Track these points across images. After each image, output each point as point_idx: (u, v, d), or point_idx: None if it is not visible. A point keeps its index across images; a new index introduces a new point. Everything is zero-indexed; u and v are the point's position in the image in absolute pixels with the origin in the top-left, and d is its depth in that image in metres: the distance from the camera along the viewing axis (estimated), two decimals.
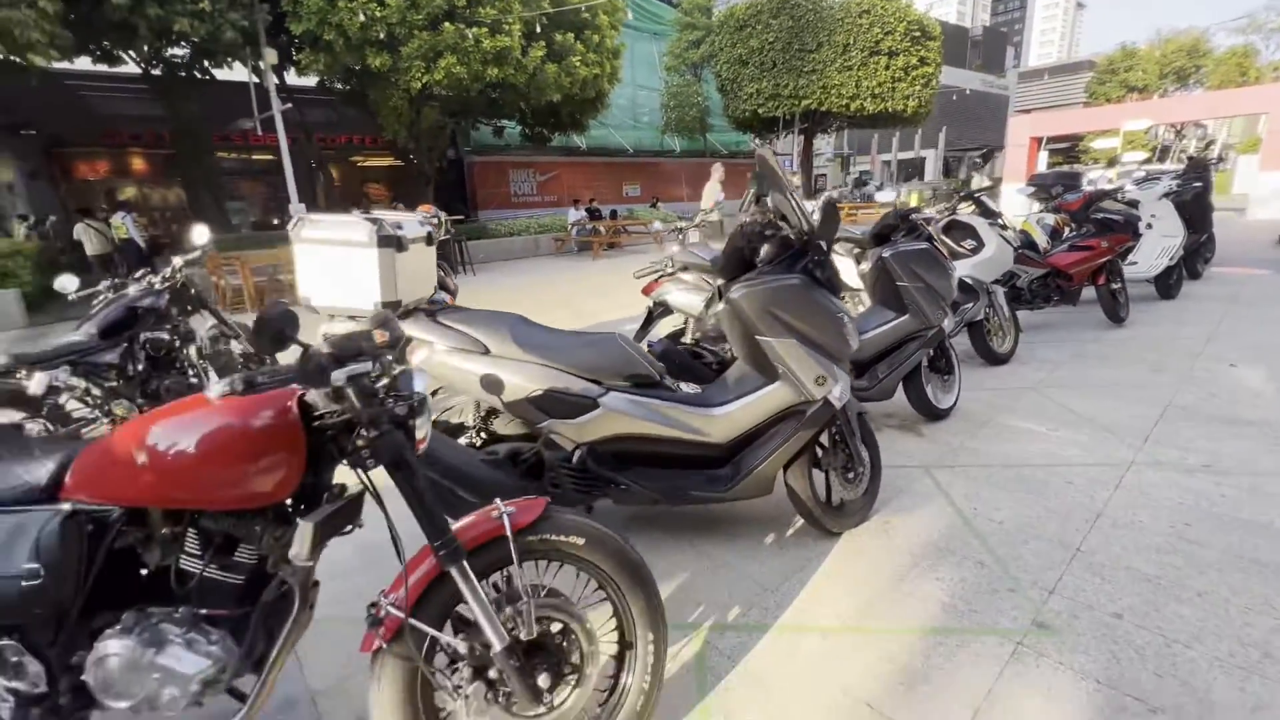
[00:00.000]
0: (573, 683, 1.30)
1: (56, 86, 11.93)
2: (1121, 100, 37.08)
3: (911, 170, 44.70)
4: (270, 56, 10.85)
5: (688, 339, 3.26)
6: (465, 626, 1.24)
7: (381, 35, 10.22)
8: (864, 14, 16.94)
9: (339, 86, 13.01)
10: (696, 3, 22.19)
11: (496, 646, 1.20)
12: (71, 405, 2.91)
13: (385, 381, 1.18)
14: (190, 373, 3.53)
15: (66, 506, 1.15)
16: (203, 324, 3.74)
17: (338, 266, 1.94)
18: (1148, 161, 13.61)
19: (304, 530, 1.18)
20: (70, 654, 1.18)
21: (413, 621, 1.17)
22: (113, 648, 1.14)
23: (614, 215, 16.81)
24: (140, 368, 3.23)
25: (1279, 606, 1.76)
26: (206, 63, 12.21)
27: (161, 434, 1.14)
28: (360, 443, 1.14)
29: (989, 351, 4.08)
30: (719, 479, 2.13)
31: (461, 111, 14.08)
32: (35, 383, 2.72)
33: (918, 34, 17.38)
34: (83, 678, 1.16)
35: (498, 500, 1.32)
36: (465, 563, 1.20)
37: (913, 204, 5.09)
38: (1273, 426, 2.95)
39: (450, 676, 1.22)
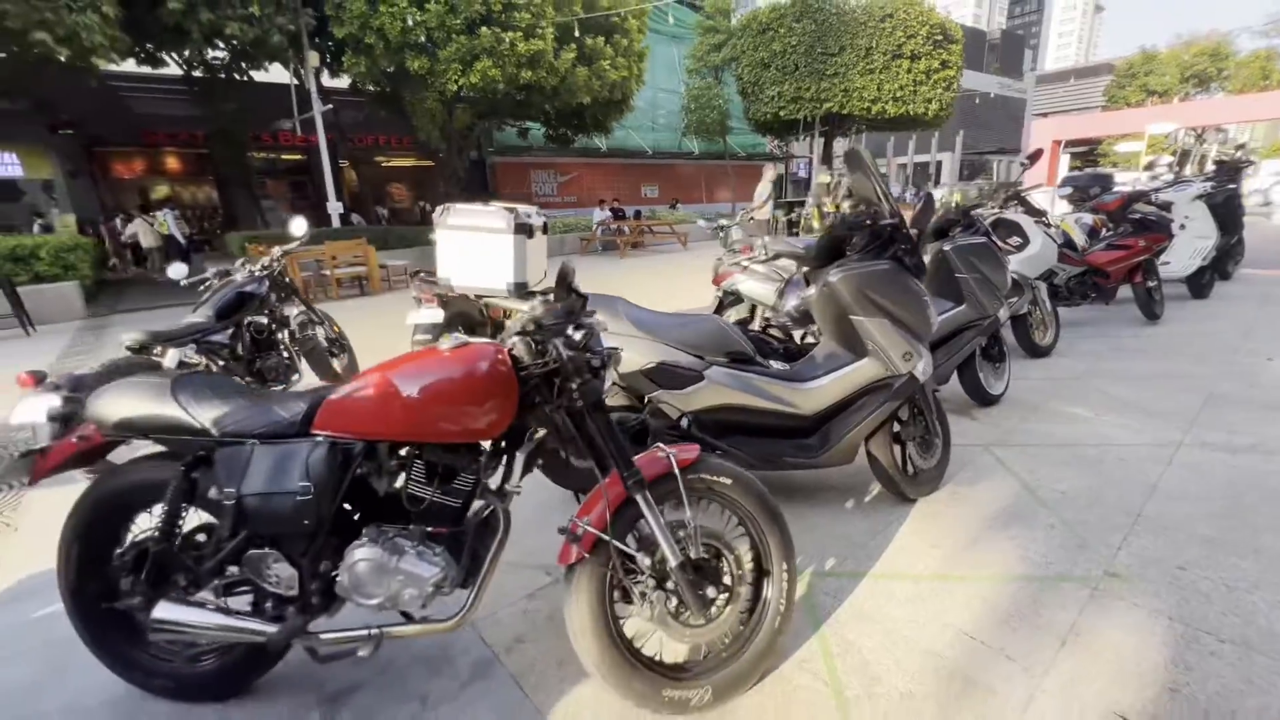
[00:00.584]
0: (726, 599, 1.53)
1: (98, 87, 12.33)
2: (1142, 104, 36.86)
3: (928, 173, 44.56)
4: (313, 59, 11.21)
5: (755, 325, 3.48)
6: (644, 546, 1.47)
7: (421, 39, 10.53)
8: (886, 18, 17.08)
9: (370, 88, 13.36)
10: (718, 6, 22.44)
11: (672, 562, 1.43)
12: None
13: (581, 339, 1.41)
14: (285, 355, 3.80)
15: (320, 437, 1.40)
16: (292, 311, 4.00)
17: (476, 251, 2.18)
18: (1172, 167, 13.62)
19: (518, 461, 1.42)
20: (319, 562, 1.42)
21: (607, 537, 1.40)
22: (363, 554, 1.38)
23: (638, 215, 17.05)
24: (246, 348, 3.50)
25: None
26: (245, 65, 12.62)
27: (401, 379, 1.38)
28: (574, 387, 1.37)
29: (1031, 344, 4.26)
30: (808, 447, 2.35)
31: (490, 113, 14.40)
32: (169, 358, 2.99)
33: (939, 38, 17.49)
34: (336, 578, 1.40)
35: (659, 444, 1.55)
36: (646, 491, 1.42)
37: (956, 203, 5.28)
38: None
39: (634, 586, 1.45)
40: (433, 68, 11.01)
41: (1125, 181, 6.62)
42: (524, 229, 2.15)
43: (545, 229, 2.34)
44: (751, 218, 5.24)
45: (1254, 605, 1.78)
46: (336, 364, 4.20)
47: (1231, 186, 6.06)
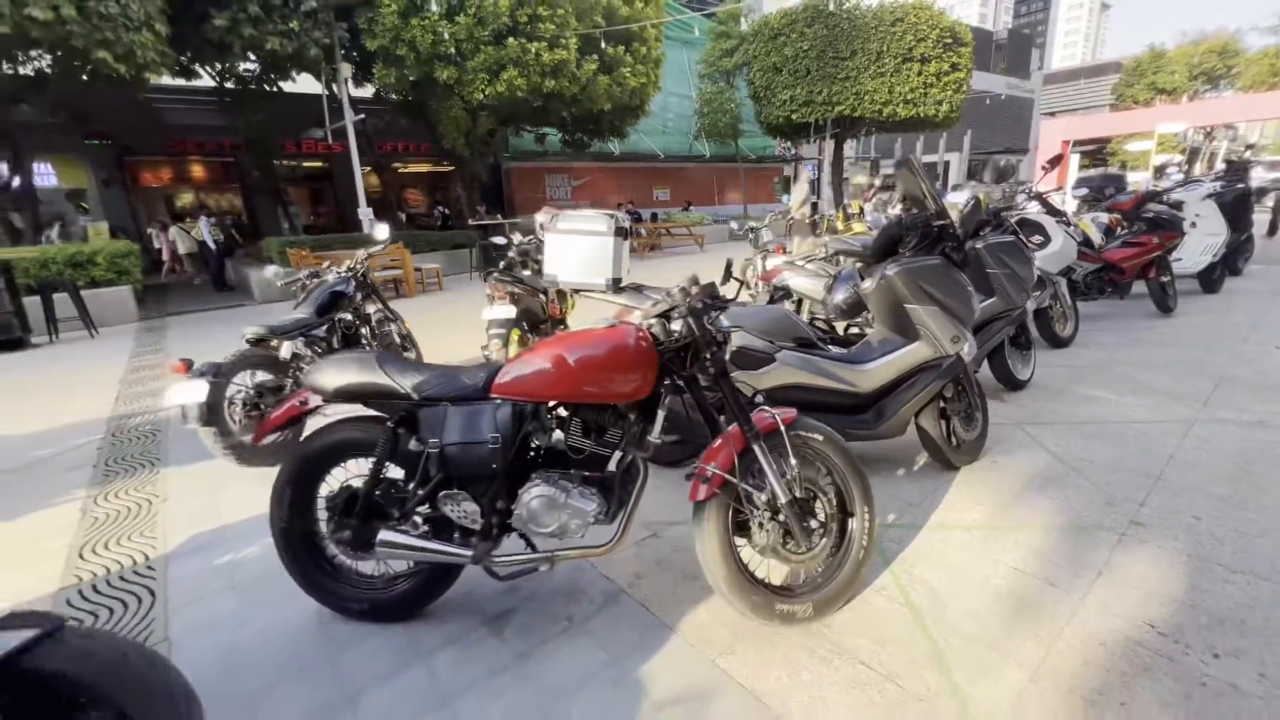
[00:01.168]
0: (821, 532, 1.86)
1: (130, 99, 12.79)
2: (1150, 103, 36.93)
3: (935, 173, 44.71)
4: (346, 70, 11.64)
5: (803, 318, 3.81)
6: (759, 487, 1.80)
7: (452, 50, 10.94)
8: (897, 22, 17.39)
9: (393, 97, 13.77)
10: (730, 12, 22.81)
11: (782, 499, 1.77)
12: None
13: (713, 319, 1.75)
14: (367, 349, 4.16)
15: (498, 400, 1.75)
16: (371, 309, 4.37)
17: (581, 251, 2.53)
18: (1181, 166, 13.85)
19: (658, 418, 1.76)
20: (496, 500, 1.77)
21: (733, 478, 1.74)
22: (539, 492, 1.72)
23: (654, 218, 17.40)
24: (339, 342, 3.87)
25: None
26: (274, 76, 13.09)
27: (564, 352, 1.73)
28: (706, 357, 1.72)
29: (1053, 335, 4.57)
30: (865, 422, 2.68)
31: (511, 119, 14.81)
32: (284, 349, 3.36)
33: (949, 41, 17.78)
34: (514, 511, 1.75)
35: (763, 406, 1.88)
36: (762, 441, 1.76)
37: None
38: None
39: (752, 518, 1.79)
40: (460, 77, 11.41)
41: (1135, 181, 6.90)
42: (621, 232, 2.49)
43: (627, 233, 2.69)
44: (793, 219, 5.57)
45: (1261, 547, 2.09)
46: (408, 358, 4.56)
47: (1241, 186, 6.34)
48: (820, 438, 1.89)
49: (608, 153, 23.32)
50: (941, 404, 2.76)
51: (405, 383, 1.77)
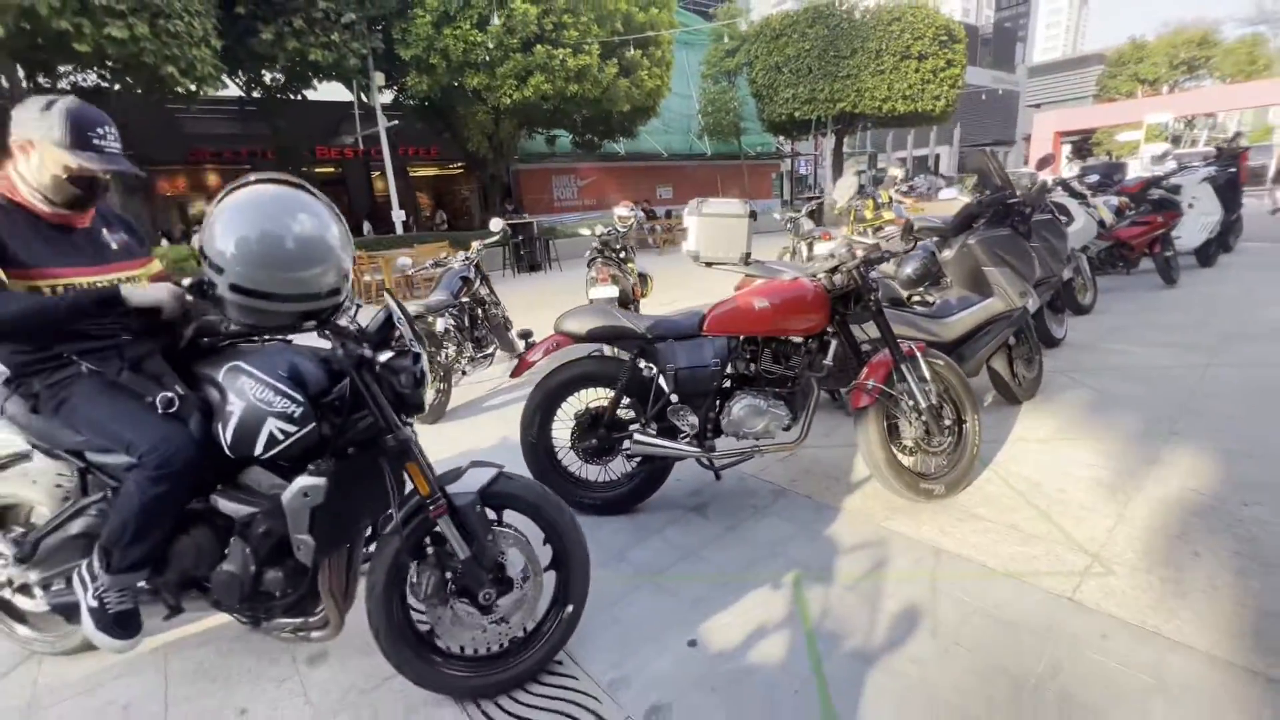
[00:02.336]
0: (949, 431, 2.47)
1: (151, 109, 13.12)
2: (1133, 94, 37.96)
3: (927, 165, 45.63)
4: (379, 79, 12.15)
5: None
6: (905, 395, 2.40)
7: (485, 58, 11.49)
8: (894, 21, 18.09)
9: (411, 103, 14.26)
10: (729, 13, 23.47)
11: (923, 404, 2.37)
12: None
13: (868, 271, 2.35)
14: (483, 328, 4.74)
15: (709, 336, 2.34)
16: (484, 292, 4.93)
17: (720, 232, 3.11)
18: (1169, 154, 14.66)
19: (833, 348, 2.37)
20: (709, 411, 2.36)
21: (889, 389, 2.35)
22: (745, 403, 2.32)
23: (668, 215, 17.99)
24: (466, 320, 4.44)
25: None
26: (299, 85, 13.55)
27: (761, 298, 2.33)
28: (870, 299, 2.32)
29: (1076, 304, 5.21)
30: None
31: (529, 122, 15.38)
32: (439, 325, 3.94)
33: (945, 38, 18.51)
34: (722, 419, 2.34)
35: (901, 339, 2.49)
36: (907, 362, 2.37)
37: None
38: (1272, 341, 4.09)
39: (901, 416, 2.40)
40: (490, 83, 11.97)
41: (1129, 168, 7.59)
42: (753, 215, 3.08)
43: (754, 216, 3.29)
44: (842, 207, 6.21)
45: (1270, 443, 2.72)
46: (511, 335, 5.14)
47: (1232, 170, 7.03)
48: (941, 364, 2.51)
49: (613, 153, 23.87)
50: (1008, 349, 3.38)
51: (639, 326, 2.36)
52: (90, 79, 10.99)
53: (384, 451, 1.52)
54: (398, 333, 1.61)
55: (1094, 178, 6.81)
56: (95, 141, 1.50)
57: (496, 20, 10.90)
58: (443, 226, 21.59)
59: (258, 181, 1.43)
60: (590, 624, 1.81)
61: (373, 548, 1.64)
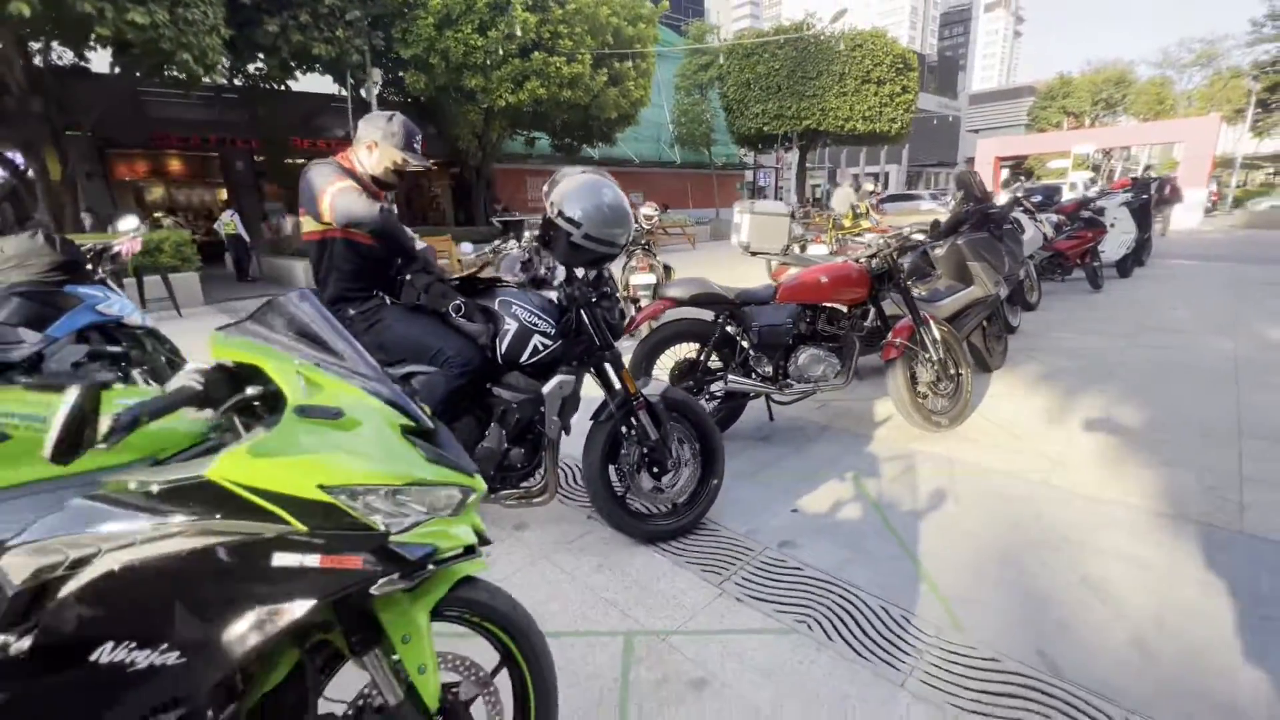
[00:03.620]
0: (952, 379, 3.30)
1: (116, 91, 12.83)
2: (1059, 125, 41.52)
3: (877, 182, 48.28)
4: (376, 75, 12.43)
5: None
6: (923, 349, 3.22)
7: (484, 61, 11.97)
8: (856, 48, 19.56)
9: (395, 100, 14.51)
10: (700, 29, 24.60)
11: (935, 357, 3.19)
12: None
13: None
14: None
15: (779, 303, 3.11)
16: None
17: (766, 227, 3.88)
18: (1093, 181, 16.62)
19: (871, 313, 3.17)
20: (780, 360, 3.12)
21: (911, 345, 3.16)
22: (808, 354, 3.09)
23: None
24: None
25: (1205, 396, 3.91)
26: (283, 76, 13.60)
27: (820, 275, 3.10)
28: (901, 277, 3.13)
29: (1025, 301, 6.26)
30: None
31: (515, 124, 15.87)
32: None
33: (901, 65, 20.13)
34: (790, 366, 3.10)
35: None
36: (924, 326, 3.19)
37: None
38: (1194, 332, 5.20)
39: (919, 366, 3.22)
40: (486, 85, 12.45)
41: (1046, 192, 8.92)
42: (792, 215, 3.86)
43: (794, 216, 4.08)
44: (838, 214, 7.14)
45: (1164, 400, 3.70)
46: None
47: (1145, 196, 8.38)
48: (946, 329, 3.34)
49: (587, 157, 24.54)
50: (984, 327, 4.29)
51: (729, 293, 3.09)
52: (68, 56, 10.92)
53: (604, 360, 2.20)
54: (606, 285, 2.29)
55: (1038, 198, 8.00)
56: (414, 146, 2.14)
57: (506, 27, 11.42)
58: (420, 223, 21.63)
59: (583, 172, 2.10)
60: (715, 504, 2.51)
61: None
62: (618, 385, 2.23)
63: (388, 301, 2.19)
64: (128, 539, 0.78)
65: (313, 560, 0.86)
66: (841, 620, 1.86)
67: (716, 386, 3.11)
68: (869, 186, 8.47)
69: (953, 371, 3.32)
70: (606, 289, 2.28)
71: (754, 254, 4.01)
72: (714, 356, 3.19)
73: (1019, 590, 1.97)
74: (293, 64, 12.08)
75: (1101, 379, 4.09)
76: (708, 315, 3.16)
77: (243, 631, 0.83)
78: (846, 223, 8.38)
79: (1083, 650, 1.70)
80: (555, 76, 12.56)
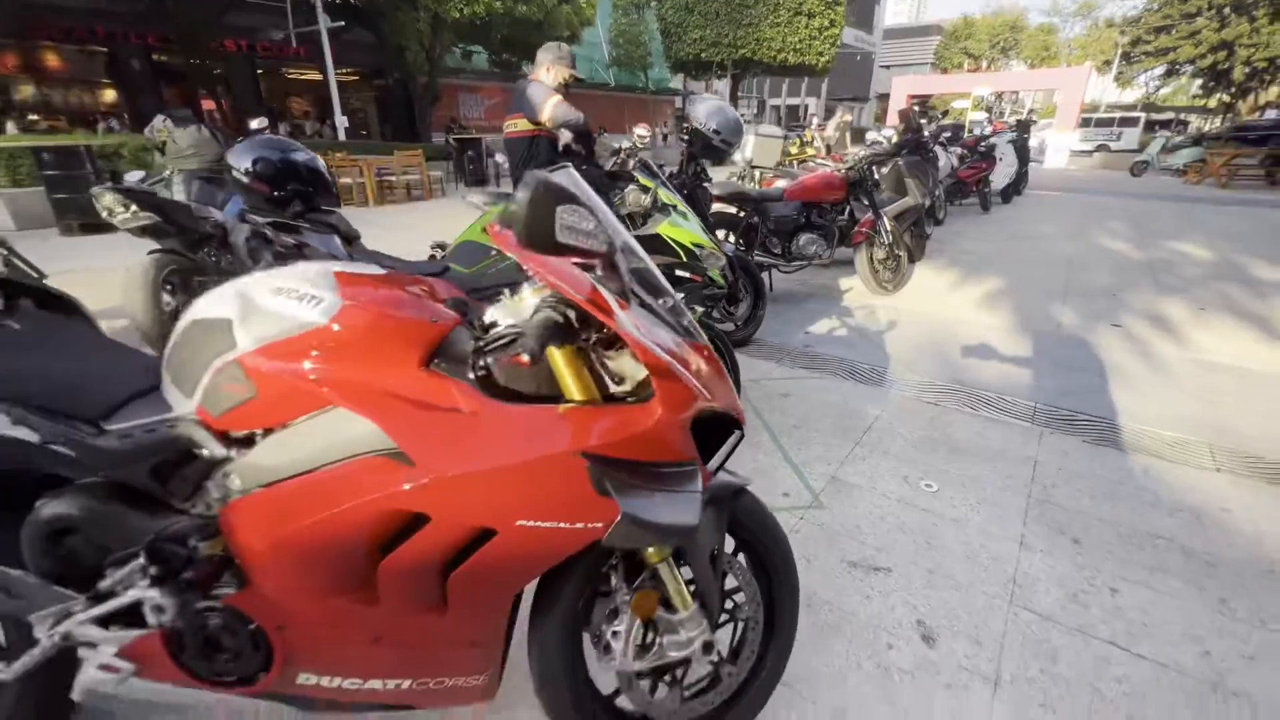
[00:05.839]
0: (896, 259, 4.78)
1: None
2: (961, 66, 44.50)
3: (797, 115, 49.80)
4: None
5: None
6: (878, 233, 4.65)
7: None
8: None
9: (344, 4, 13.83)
10: None
11: (886, 241, 4.64)
12: None
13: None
14: None
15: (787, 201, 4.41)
16: None
17: (767, 146, 5.06)
18: (996, 119, 19.23)
19: (849, 210, 4.54)
20: (786, 241, 4.44)
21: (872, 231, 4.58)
22: (806, 238, 4.44)
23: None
24: None
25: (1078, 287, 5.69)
26: None
27: (818, 180, 4.41)
28: (869, 187, 4.49)
29: (935, 218, 7.95)
30: None
31: (461, 37, 15.55)
32: None
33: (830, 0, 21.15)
34: (793, 246, 4.44)
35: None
36: (881, 221, 4.61)
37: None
38: (1051, 239, 7.10)
39: (877, 247, 4.66)
40: None
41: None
42: (785, 138, 5.06)
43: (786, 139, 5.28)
44: (831, 137, 8.45)
45: (1028, 274, 5.42)
46: None
47: (1025, 136, 10.29)
48: (894, 224, 4.78)
49: (520, 74, 23.97)
50: (912, 228, 5.81)
51: (753, 192, 4.31)
52: None
53: None
54: (707, 180, 3.46)
55: (948, 134, 9.66)
56: (574, 63, 3.13)
57: None
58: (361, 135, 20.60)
59: (710, 98, 3.21)
60: (759, 328, 3.83)
61: None
62: None
63: None
64: None
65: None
66: (850, 372, 3.28)
67: None
68: (848, 118, 9.87)
69: (898, 254, 4.79)
70: (707, 181, 3.45)
71: (754, 168, 5.21)
72: (741, 241, 4.45)
73: (938, 358, 3.49)
74: None
75: (985, 265, 5.78)
76: (730, 209, 4.39)
77: None
78: (793, 150, 9.70)
79: (973, 371, 3.24)
80: None
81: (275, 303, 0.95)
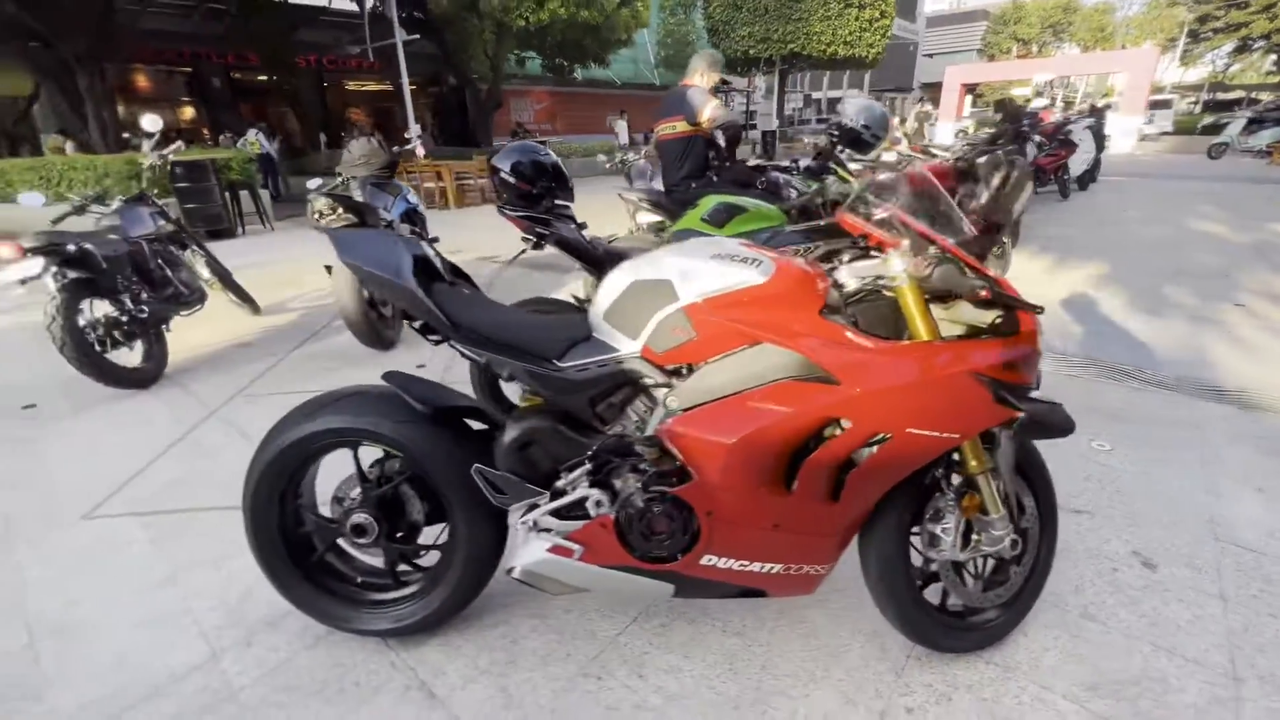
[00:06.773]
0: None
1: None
2: (1009, 51, 43.13)
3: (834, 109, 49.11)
4: None
5: None
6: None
7: None
8: None
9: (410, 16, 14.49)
10: None
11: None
12: None
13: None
14: None
15: None
16: None
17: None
18: (1048, 107, 18.66)
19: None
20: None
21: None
22: None
23: (646, 139, 19.48)
24: None
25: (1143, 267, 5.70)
26: None
27: (933, 172, 4.59)
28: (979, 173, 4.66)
29: None
30: None
31: (523, 44, 16.08)
32: None
33: None
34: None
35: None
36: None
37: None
38: (1144, 223, 7.04)
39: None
40: (508, 4, 12.77)
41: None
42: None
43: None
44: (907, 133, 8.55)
45: (1119, 250, 5.45)
46: None
47: (1102, 121, 10.11)
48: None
49: (571, 78, 24.48)
50: None
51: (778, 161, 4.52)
52: None
53: None
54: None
55: (1026, 123, 9.60)
56: (724, 72, 3.41)
57: None
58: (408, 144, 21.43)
59: (856, 96, 3.46)
60: None
61: None
62: None
63: (714, 179, 3.52)
64: None
65: None
66: None
67: None
68: (927, 109, 9.96)
69: (1004, 240, 4.91)
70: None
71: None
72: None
73: (1064, 335, 3.64)
74: None
75: (1080, 250, 5.81)
76: None
77: None
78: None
79: (1104, 347, 3.38)
80: None
81: (715, 265, 1.26)
